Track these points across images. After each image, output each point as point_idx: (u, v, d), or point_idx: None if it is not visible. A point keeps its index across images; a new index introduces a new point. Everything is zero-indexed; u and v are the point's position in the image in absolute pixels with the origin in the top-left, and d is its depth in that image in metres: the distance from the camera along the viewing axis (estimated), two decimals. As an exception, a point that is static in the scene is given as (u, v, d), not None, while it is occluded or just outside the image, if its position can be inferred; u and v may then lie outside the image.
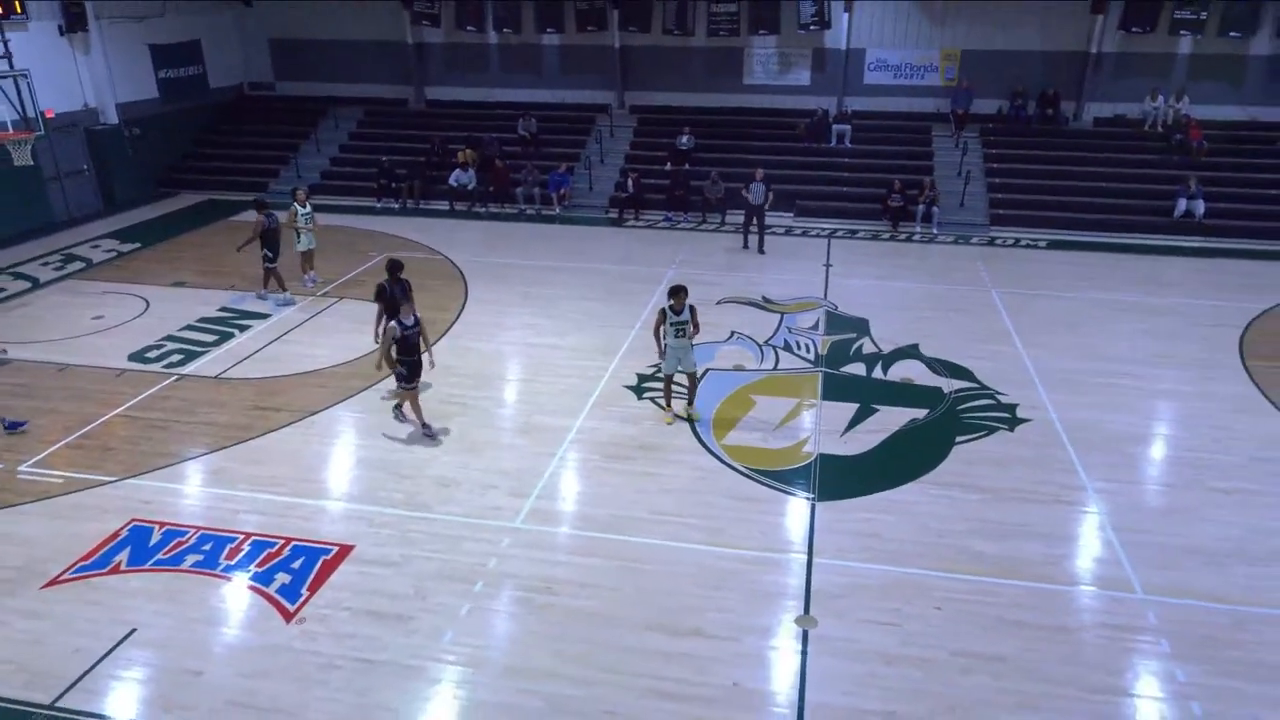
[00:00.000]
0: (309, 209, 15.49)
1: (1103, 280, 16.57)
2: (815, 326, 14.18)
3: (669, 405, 11.08)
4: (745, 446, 10.40)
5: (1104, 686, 6.85)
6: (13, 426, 10.60)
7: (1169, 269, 17.37)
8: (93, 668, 6.97)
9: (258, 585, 7.92)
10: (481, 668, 7.01)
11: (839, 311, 14.84)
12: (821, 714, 6.56)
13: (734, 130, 23.17)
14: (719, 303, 15.02)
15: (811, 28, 22.50)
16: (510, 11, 23.79)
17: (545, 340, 13.57)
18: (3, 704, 6.62)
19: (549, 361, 12.81)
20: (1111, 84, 22.33)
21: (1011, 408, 11.38)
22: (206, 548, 8.42)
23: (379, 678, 6.87)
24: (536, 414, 11.21)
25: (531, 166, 21.70)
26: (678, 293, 10.47)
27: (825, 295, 15.67)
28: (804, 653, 7.17)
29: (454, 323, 14.21)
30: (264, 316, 14.47)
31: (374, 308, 11.93)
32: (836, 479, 9.71)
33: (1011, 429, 10.88)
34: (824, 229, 20.08)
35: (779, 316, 14.54)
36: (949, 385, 12.02)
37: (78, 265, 17.24)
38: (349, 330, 13.47)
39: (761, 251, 18.37)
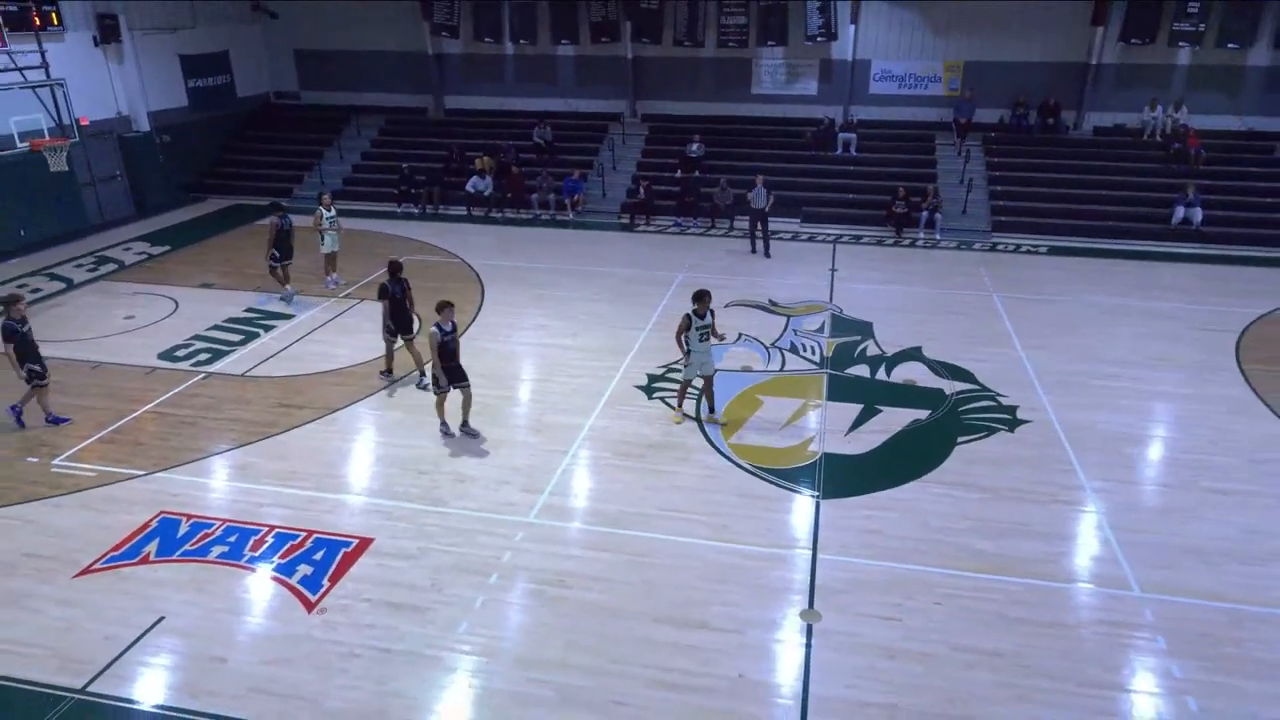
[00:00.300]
0: (333, 212, 15.59)
1: (1102, 285, 16.46)
2: (821, 329, 14.14)
3: (680, 405, 11.04)
4: (752, 445, 10.38)
5: (1101, 682, 6.81)
6: (55, 421, 10.73)
7: (1167, 275, 17.24)
8: (122, 654, 7.03)
9: (281, 576, 7.97)
10: (495, 657, 7.02)
11: (844, 315, 14.79)
12: (825, 706, 6.54)
13: (743, 138, 23.13)
14: (727, 306, 14.98)
15: (818, 39, 22.47)
16: (526, 23, 23.85)
17: (558, 341, 13.58)
18: (36, 688, 6.69)
19: (562, 362, 12.82)
20: (1111, 94, 22.17)
21: (1012, 409, 11.32)
22: (232, 539, 8.48)
23: (397, 666, 6.90)
24: (549, 413, 11.23)
25: (546, 173, 21.72)
26: (702, 297, 10.41)
27: (831, 299, 15.62)
28: (808, 646, 7.16)
29: (470, 324, 14.25)
30: (288, 317, 14.55)
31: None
32: (841, 477, 9.69)
33: (1012, 430, 10.82)
34: (830, 234, 20.02)
35: (786, 319, 14.51)
36: (951, 387, 11.96)
37: (110, 267, 17.38)
38: (370, 331, 13.51)
39: (768, 255, 18.35)
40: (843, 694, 6.66)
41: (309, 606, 7.58)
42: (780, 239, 19.62)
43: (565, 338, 13.72)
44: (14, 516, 8.90)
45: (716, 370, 11.78)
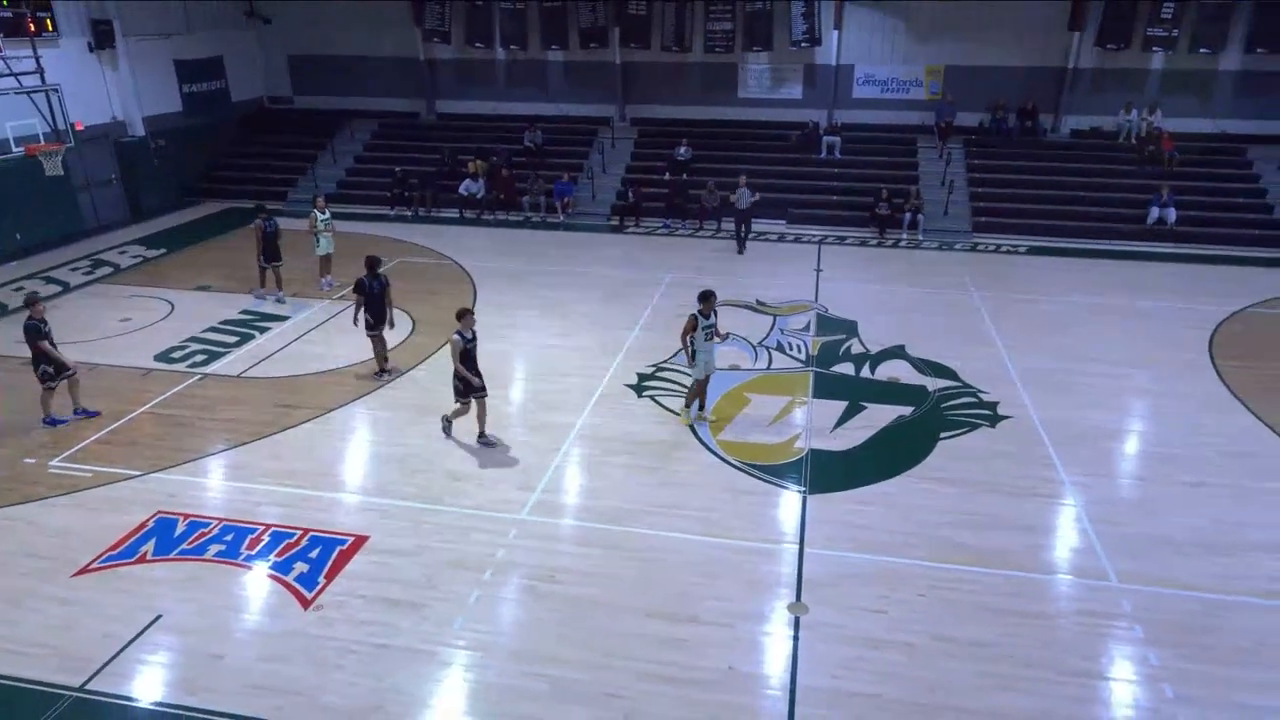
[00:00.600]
0: (327, 215, 15.51)
1: (1080, 284, 16.57)
2: (806, 328, 14.18)
3: (695, 406, 10.92)
4: (740, 442, 10.40)
5: (1080, 670, 6.86)
6: (84, 414, 10.79)
7: (1142, 274, 17.36)
8: (120, 652, 6.98)
9: (277, 574, 7.93)
10: (490, 652, 7.01)
11: (829, 314, 14.84)
12: (812, 696, 6.57)
13: (729, 142, 23.15)
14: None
15: (803, 45, 22.52)
16: (517, 29, 23.81)
17: (550, 341, 13.57)
18: (35, 686, 6.63)
19: (554, 361, 12.81)
20: (1088, 98, 22.31)
21: (993, 405, 11.38)
22: (228, 538, 8.44)
23: (392, 662, 6.88)
24: (541, 411, 11.21)
25: (537, 176, 21.69)
26: (708, 298, 10.37)
27: (816, 298, 15.66)
28: (795, 638, 7.18)
29: (463, 325, 14.21)
30: (283, 319, 14.48)
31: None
32: (827, 473, 9.71)
33: (993, 425, 10.88)
34: (815, 235, 20.07)
35: (772, 318, 14.54)
36: (933, 384, 12.01)
37: (106, 270, 17.25)
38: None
39: (740, 252, 18.56)
40: (829, 684, 6.68)
41: (305, 603, 7.55)
42: (766, 240, 19.67)
43: (557, 337, 13.71)
44: (12, 517, 8.82)
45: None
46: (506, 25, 23.80)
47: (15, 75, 16.24)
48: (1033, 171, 21.33)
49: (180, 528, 8.61)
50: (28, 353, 10.56)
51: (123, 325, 14.19)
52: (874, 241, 19.67)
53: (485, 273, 17.02)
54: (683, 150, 22.11)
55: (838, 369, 12.59)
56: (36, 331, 10.34)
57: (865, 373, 12.47)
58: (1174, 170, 20.47)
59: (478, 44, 24.25)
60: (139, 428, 10.74)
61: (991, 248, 19.23)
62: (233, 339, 13.58)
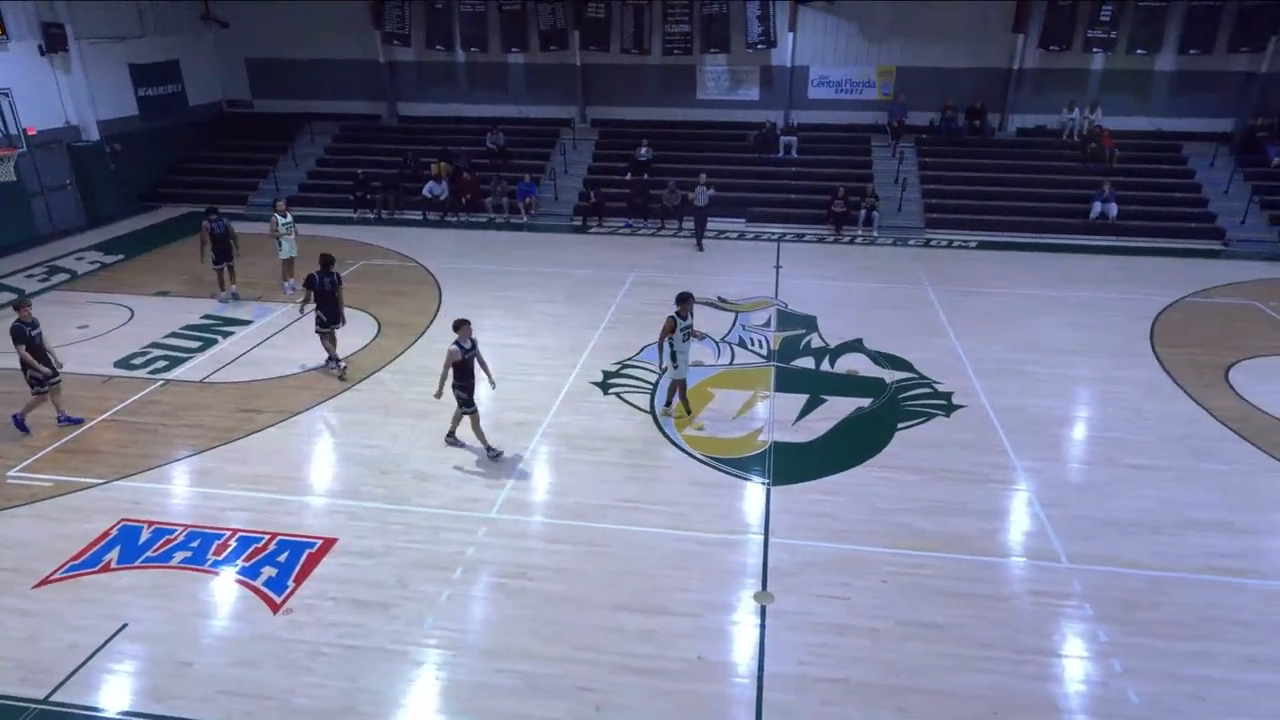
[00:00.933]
0: (289, 219, 15.25)
1: (1027, 277, 16.92)
2: (767, 324, 14.28)
3: (691, 411, 10.86)
4: (705, 437, 10.44)
5: (1034, 648, 7.02)
6: (66, 420, 10.58)
7: (1086, 266, 17.78)
8: (86, 662, 6.80)
9: (245, 579, 7.79)
10: (461, 650, 6.96)
11: (789, 310, 14.96)
12: (780, 682, 6.63)
13: (689, 142, 23.20)
14: (678, 303, 15.05)
15: (759, 47, 22.65)
16: (477, 32, 23.58)
17: (516, 341, 13.48)
18: (-3, 700, 6.44)
19: (519, 361, 12.73)
20: (1032, 97, 22.77)
21: (948, 395, 11.57)
22: (195, 544, 8.26)
23: (363, 662, 6.80)
24: (508, 410, 11.13)
25: (500, 177, 21.54)
26: (685, 299, 10.35)
27: (776, 295, 15.78)
28: (762, 626, 7.24)
29: (429, 325, 14.07)
30: (246, 323, 14.19)
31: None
32: (789, 465, 9.80)
33: (948, 415, 11.06)
34: (774, 233, 20.21)
35: (734, 315, 14.61)
36: (891, 376, 12.18)
37: (62, 277, 16.74)
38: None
39: (700, 249, 18.70)
40: (796, 670, 6.75)
41: (274, 607, 7.42)
42: (726, 238, 19.77)
43: (522, 337, 13.63)
44: (-31, 529, 8.53)
45: (668, 366, 11.81)
46: (466, 28, 23.57)
47: (-37, 79, 15.72)
48: (982, 169, 21.73)
49: (145, 535, 8.40)
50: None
51: (81, 332, 13.77)
52: (831, 239, 19.87)
53: (449, 274, 16.86)
54: (644, 151, 22.11)
55: (798, 363, 12.70)
56: (19, 335, 10.08)
57: (825, 366, 12.60)
58: (1115, 167, 21.00)
59: (438, 46, 23.98)
60: (100, 435, 10.45)
61: (944, 243, 19.54)
62: (195, 344, 13.28)
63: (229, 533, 8.43)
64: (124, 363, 12.54)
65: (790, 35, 22.68)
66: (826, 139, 23.07)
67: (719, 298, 15.44)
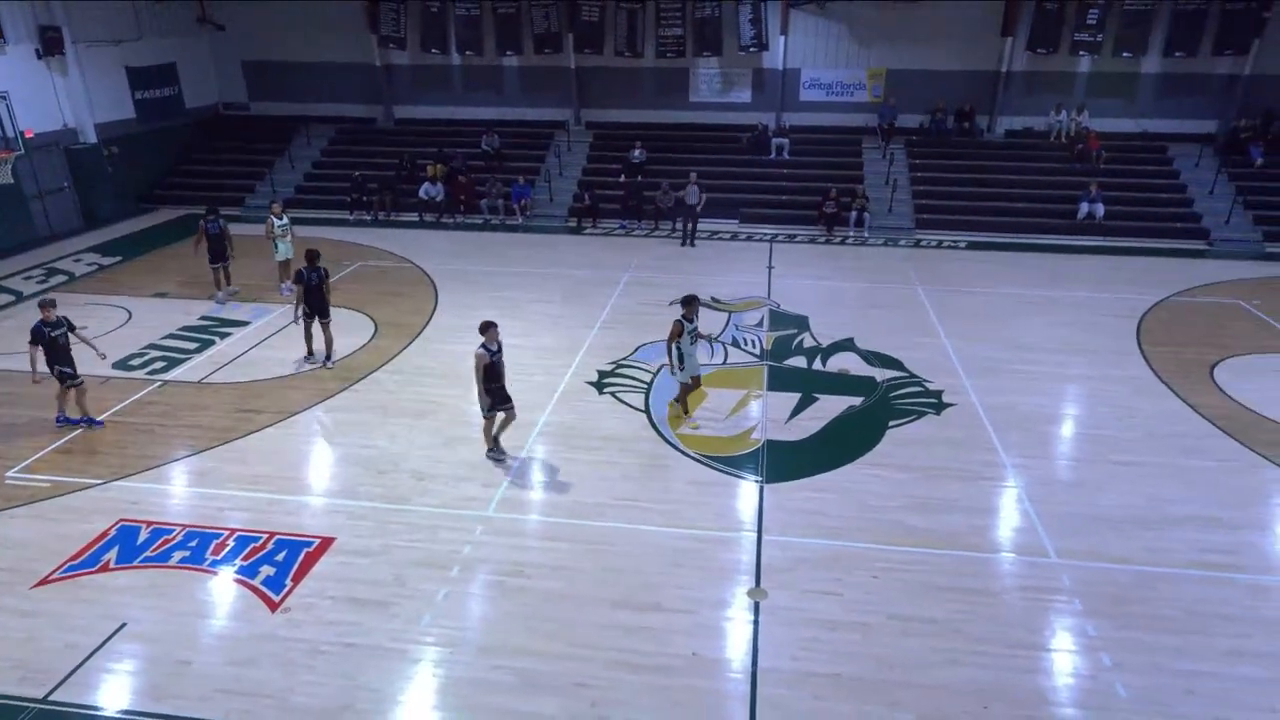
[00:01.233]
0: (285, 220, 15.19)
1: (1016, 277, 16.97)
2: (760, 324, 14.29)
3: (690, 412, 10.80)
4: (698, 435, 10.44)
5: (1024, 642, 7.04)
6: (90, 423, 10.58)
7: (1073, 266, 17.83)
8: (84, 662, 6.76)
9: (243, 578, 7.75)
10: (458, 648, 6.95)
11: (781, 310, 14.97)
12: (773, 678, 6.63)
13: (682, 144, 23.20)
14: (672, 303, 15.02)
15: (751, 50, 22.67)
16: (472, 35, 23.54)
17: (511, 341, 13.30)
18: (-4, 700, 6.39)
19: (515, 361, 12.59)
20: (1020, 100, 22.85)
21: (938, 394, 11.60)
22: (193, 544, 8.22)
23: (362, 661, 6.77)
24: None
25: (495, 179, 21.50)
26: (691, 302, 10.32)
27: (769, 295, 15.79)
28: (756, 622, 7.24)
29: (425, 326, 14.04)
30: (244, 324, 14.13)
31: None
32: (782, 463, 9.81)
33: (938, 413, 11.08)
34: (766, 234, 20.23)
35: (727, 315, 14.61)
36: (882, 375, 12.20)
37: (60, 279, 16.64)
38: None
39: (692, 245, 18.92)
40: (789, 665, 6.76)
41: (272, 606, 7.39)
42: (719, 239, 19.79)
43: (518, 337, 13.55)
44: (-32, 530, 8.48)
45: (663, 365, 11.83)
46: (462, 31, 23.52)
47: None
48: (970, 170, 21.79)
49: (143, 535, 8.36)
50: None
51: (79, 333, 13.66)
52: (823, 239, 19.89)
53: (445, 275, 16.82)
54: (637, 153, 22.11)
55: (790, 362, 12.71)
56: (37, 335, 10.09)
57: (817, 365, 12.61)
58: (1101, 168, 21.08)
59: (433, 50, 23.93)
60: (99, 436, 10.39)
61: (933, 243, 19.58)
62: (193, 345, 13.23)
63: (227, 532, 8.40)
64: (122, 364, 12.47)
65: (782, 38, 22.71)
66: (818, 141, 23.11)
67: (712, 298, 15.43)
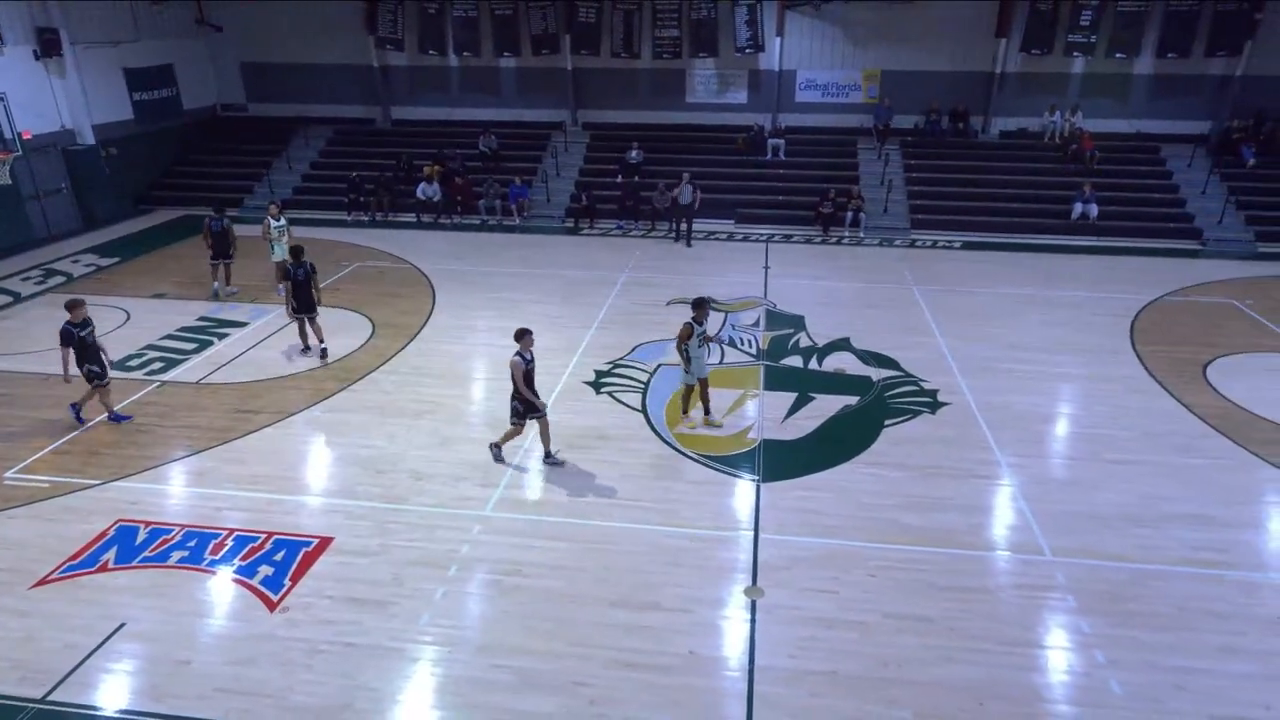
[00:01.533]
0: (282, 221, 15.18)
1: (1010, 277, 17.00)
2: (756, 323, 14.30)
3: (688, 413, 10.76)
4: (696, 434, 10.44)
5: (1019, 640, 7.05)
6: (117, 419, 10.65)
7: (1067, 266, 17.86)
8: (83, 662, 6.75)
9: (242, 578, 7.74)
10: (457, 646, 6.94)
11: (778, 309, 14.98)
12: (770, 676, 6.64)
13: (678, 145, 23.21)
14: (669, 303, 15.07)
15: (747, 51, 22.68)
16: (469, 36, 23.53)
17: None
18: (-5, 700, 6.38)
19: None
20: (1014, 100, 22.88)
21: (933, 393, 11.61)
22: (192, 544, 8.20)
23: (360, 660, 6.77)
24: (502, 410, 11.04)
25: (492, 180, 21.49)
26: (701, 305, 10.27)
27: (765, 295, 15.80)
28: (752, 621, 7.24)
29: (423, 326, 14.02)
30: (242, 324, 14.11)
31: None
32: (778, 462, 9.81)
33: (933, 412, 11.10)
34: (762, 234, 20.24)
35: (724, 315, 14.61)
36: (877, 374, 12.22)
37: (58, 280, 16.60)
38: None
39: (689, 245, 18.89)
40: (786, 664, 6.76)
41: (271, 606, 7.38)
42: (716, 239, 19.80)
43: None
44: (-34, 530, 8.46)
45: (660, 365, 11.84)
46: (459, 32, 23.51)
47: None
48: (965, 171, 21.81)
49: (142, 535, 8.34)
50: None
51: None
52: (818, 239, 19.91)
53: (443, 275, 16.80)
54: (634, 153, 22.11)
55: (787, 362, 12.72)
56: (66, 337, 10.10)
57: (813, 365, 12.62)
58: (1095, 168, 21.11)
59: (431, 51, 23.91)
60: (97, 436, 10.37)
61: (929, 244, 19.60)
62: (191, 346, 13.20)
63: (226, 532, 8.38)
64: (120, 364, 12.42)
65: (778, 40, 22.73)
66: (813, 141, 23.12)
67: (710, 298, 15.41)
